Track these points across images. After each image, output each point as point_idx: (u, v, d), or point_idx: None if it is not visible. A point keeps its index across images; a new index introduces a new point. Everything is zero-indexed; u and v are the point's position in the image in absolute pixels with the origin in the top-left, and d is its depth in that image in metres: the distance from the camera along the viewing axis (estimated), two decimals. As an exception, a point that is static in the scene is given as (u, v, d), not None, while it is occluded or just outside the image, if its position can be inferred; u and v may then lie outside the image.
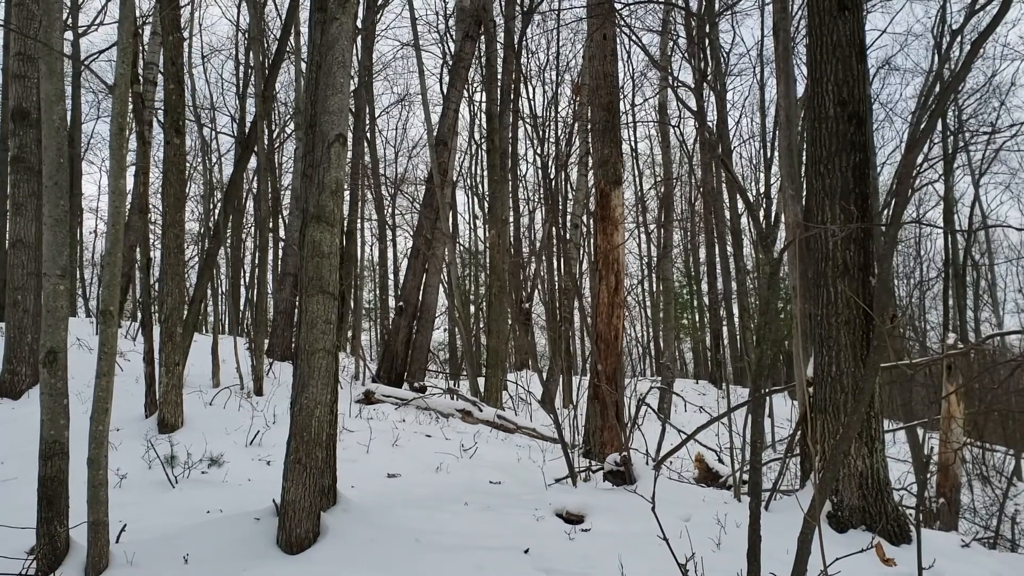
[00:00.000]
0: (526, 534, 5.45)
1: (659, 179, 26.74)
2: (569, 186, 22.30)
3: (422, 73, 15.83)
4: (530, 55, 24.79)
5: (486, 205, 22.55)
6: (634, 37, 13.01)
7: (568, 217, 19.62)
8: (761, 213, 21.50)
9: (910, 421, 11.52)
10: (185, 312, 9.35)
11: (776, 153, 18.92)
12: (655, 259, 27.54)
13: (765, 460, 8.61)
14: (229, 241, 15.98)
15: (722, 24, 22.11)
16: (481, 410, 12.04)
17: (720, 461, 9.30)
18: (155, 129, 16.92)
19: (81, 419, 4.78)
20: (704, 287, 27.54)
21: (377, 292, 29.57)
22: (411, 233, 21.34)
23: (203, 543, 4.84)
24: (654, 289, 30.04)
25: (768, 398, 13.54)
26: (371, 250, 31.80)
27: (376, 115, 24.40)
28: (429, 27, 33.74)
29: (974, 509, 9.62)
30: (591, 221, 17.30)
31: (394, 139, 38.39)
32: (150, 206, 16.37)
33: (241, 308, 25.85)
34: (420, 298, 14.91)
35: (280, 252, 21.25)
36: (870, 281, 5.81)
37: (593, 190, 10.66)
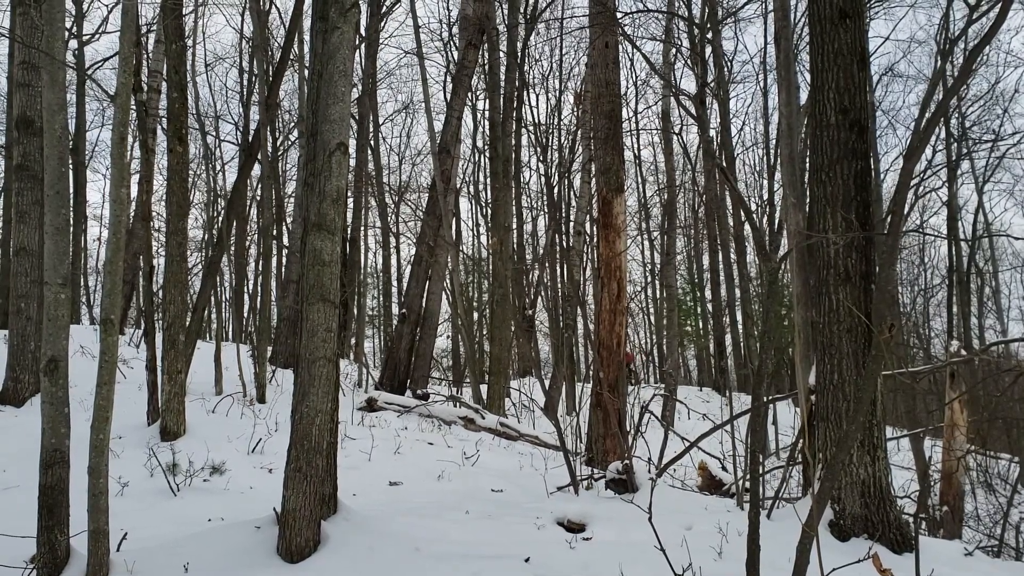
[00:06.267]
0: (527, 543, 5.43)
1: (662, 186, 26.78)
2: (572, 193, 22.34)
3: (425, 81, 15.85)
4: (533, 63, 24.88)
5: (489, 212, 22.58)
6: (636, 45, 13.01)
7: (571, 224, 19.64)
8: (764, 220, 21.51)
9: (914, 429, 11.48)
10: (188, 320, 9.36)
11: (779, 160, 18.91)
12: (658, 266, 27.56)
13: (768, 468, 8.59)
14: (232, 249, 16.02)
15: (725, 31, 22.17)
16: (484, 417, 12.02)
17: (724, 469, 9.27)
18: (159, 137, 16.94)
19: (83, 427, 4.78)
20: (707, 294, 27.51)
21: (380, 299, 29.63)
22: (414, 240, 21.37)
23: (204, 551, 4.83)
24: (657, 296, 30.07)
25: (772, 405, 13.51)
26: (374, 257, 31.88)
27: (380, 123, 24.46)
28: (432, 35, 33.85)
29: (978, 517, 9.57)
30: (594, 228, 17.31)
31: (398, 147, 38.60)
32: (153, 214, 16.41)
33: (244, 315, 25.88)
34: (423, 305, 14.91)
35: (284, 259, 21.30)
36: (872, 289, 5.80)
37: (595, 197, 10.66)
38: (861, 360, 5.67)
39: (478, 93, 23.41)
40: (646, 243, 30.09)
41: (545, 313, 25.21)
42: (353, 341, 19.81)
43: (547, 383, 16.93)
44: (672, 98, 19.74)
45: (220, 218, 17.80)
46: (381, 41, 20.84)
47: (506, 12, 17.10)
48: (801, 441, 7.09)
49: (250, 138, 15.11)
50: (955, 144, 20.63)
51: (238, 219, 15.36)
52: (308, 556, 4.79)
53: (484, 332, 25.49)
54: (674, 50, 20.49)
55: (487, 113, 17.63)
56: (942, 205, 22.79)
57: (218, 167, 28.03)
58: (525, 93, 20.41)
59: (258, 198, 22.77)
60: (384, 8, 19.63)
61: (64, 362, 4.47)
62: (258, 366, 11.56)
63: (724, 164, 15.66)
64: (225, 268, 17.84)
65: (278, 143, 23.92)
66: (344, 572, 4.62)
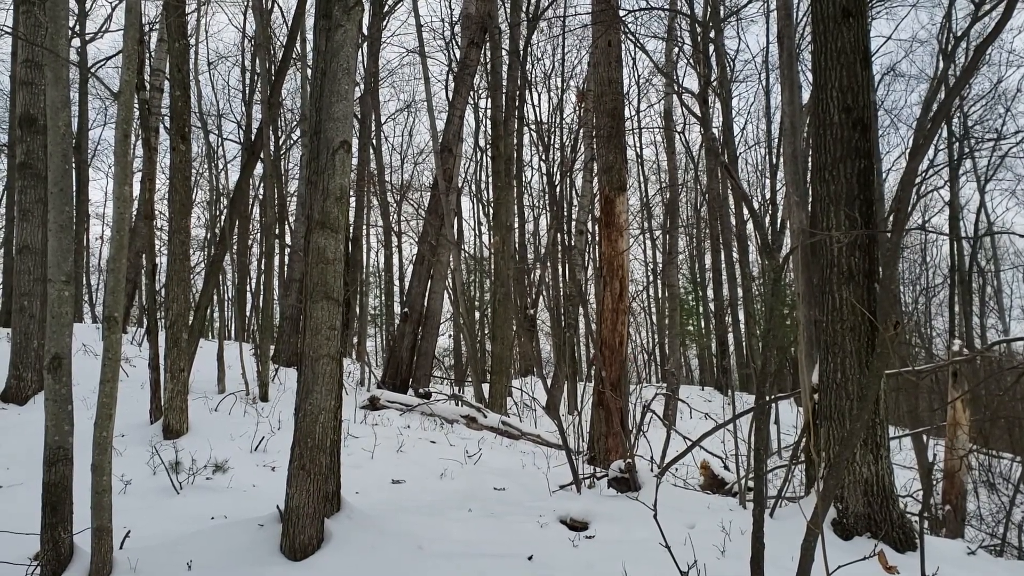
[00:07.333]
0: (530, 541, 5.43)
1: (664, 185, 26.76)
2: (574, 192, 22.32)
3: (427, 80, 15.82)
4: (535, 62, 24.84)
5: (491, 211, 22.58)
6: (639, 44, 13.00)
7: (573, 223, 19.63)
8: (767, 219, 21.50)
9: (916, 428, 11.48)
10: (191, 318, 9.37)
11: (781, 159, 18.92)
12: (660, 265, 27.55)
13: (771, 467, 8.59)
14: (235, 247, 16.03)
15: (727, 30, 22.15)
16: (486, 416, 12.02)
17: (726, 468, 9.26)
18: (162, 135, 16.94)
19: (86, 425, 4.79)
20: (710, 293, 27.50)
21: (382, 298, 29.60)
22: (416, 239, 21.36)
23: (207, 549, 4.84)
24: (659, 295, 30.03)
25: (774, 404, 13.51)
26: (376, 256, 31.82)
27: (382, 122, 24.44)
28: (435, 34, 33.82)
29: (980, 516, 9.56)
30: (596, 227, 17.30)
31: (400, 146, 38.56)
32: (156, 212, 16.42)
33: (247, 314, 25.90)
34: (425, 304, 14.91)
35: (286, 258, 21.29)
36: (875, 287, 5.79)
37: (598, 196, 10.66)
38: (864, 359, 5.67)
39: (480, 92, 23.36)
40: (648, 242, 30.06)
41: (547, 312, 25.18)
42: (356, 340, 19.81)
43: (549, 382, 16.92)
44: (675, 96, 19.71)
45: (223, 216, 17.80)
46: (383, 40, 20.85)
47: (508, 11, 17.07)
48: (804, 440, 7.09)
49: (252, 137, 15.14)
50: (957, 143, 20.62)
51: (241, 217, 15.38)
52: (311, 554, 4.80)
53: (486, 331, 25.47)
54: (677, 48, 20.46)
55: (489, 112, 17.60)
56: (944, 204, 22.77)
57: (221, 166, 28.05)
58: (527, 92, 20.41)
59: (261, 196, 22.77)
60: (387, 7, 19.63)
61: (67, 360, 4.47)
62: (261, 364, 11.57)
63: (727, 162, 15.64)
64: (228, 266, 17.88)
65: (280, 142, 23.92)
66: (347, 570, 4.63)
